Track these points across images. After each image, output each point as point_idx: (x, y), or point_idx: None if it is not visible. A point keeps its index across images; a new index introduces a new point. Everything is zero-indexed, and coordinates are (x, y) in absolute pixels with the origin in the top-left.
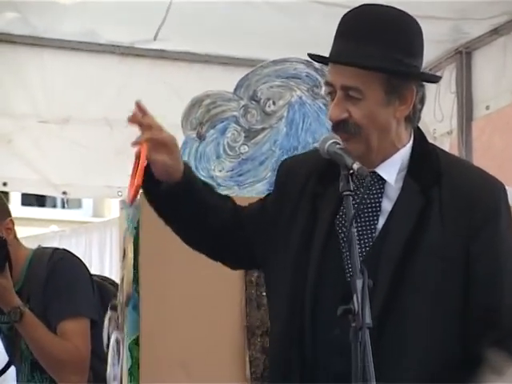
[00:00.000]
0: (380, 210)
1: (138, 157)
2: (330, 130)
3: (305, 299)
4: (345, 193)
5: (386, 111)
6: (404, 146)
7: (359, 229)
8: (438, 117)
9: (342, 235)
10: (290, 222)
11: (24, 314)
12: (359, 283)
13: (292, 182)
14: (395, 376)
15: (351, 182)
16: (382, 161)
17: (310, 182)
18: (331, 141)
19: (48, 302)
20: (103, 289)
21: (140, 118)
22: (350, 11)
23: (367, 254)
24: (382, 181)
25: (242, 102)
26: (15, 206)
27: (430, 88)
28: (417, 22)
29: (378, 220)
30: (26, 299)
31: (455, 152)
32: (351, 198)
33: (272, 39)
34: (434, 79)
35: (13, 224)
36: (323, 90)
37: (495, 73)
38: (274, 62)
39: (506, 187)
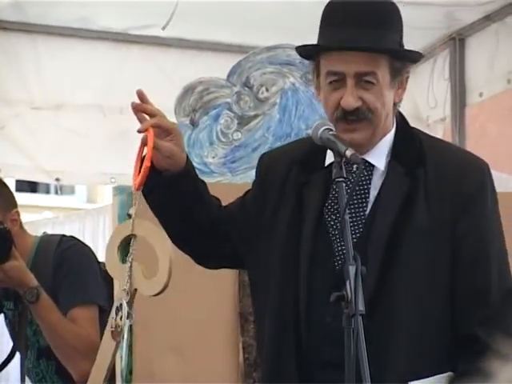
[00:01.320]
0: (369, 196)
1: (143, 143)
2: (325, 117)
3: (298, 288)
4: (338, 179)
5: (390, 94)
6: (390, 131)
7: (350, 215)
8: (431, 103)
9: (332, 223)
10: (273, 215)
11: (41, 294)
12: (352, 270)
13: (272, 175)
14: (388, 357)
15: (344, 169)
16: (373, 147)
17: (291, 172)
18: (324, 127)
19: (58, 288)
20: (110, 276)
21: (143, 105)
22: None
23: (358, 239)
24: (370, 167)
25: (235, 89)
26: None
27: (423, 75)
28: (398, 8)
29: (367, 206)
30: None
31: (449, 138)
32: (344, 185)
33: (265, 25)
34: (421, 58)
35: (18, 215)
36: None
37: (488, 59)
38: (267, 49)
39: (500, 173)
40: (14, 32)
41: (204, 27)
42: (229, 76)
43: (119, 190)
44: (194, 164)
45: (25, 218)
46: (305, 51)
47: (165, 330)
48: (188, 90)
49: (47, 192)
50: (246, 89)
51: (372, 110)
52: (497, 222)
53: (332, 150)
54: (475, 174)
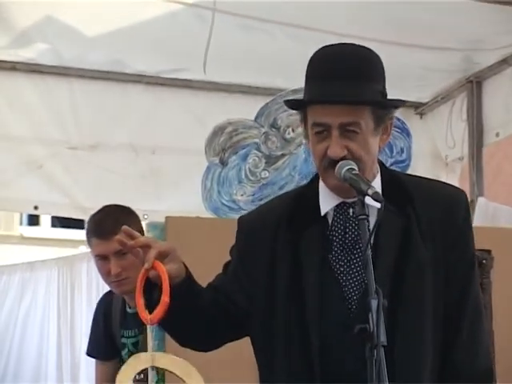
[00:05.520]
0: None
1: (143, 276)
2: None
3: (310, 344)
4: (360, 217)
5: (374, 141)
6: (377, 173)
7: (355, 258)
8: (449, 143)
9: (341, 269)
10: (269, 276)
11: None
12: (374, 303)
13: (257, 238)
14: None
15: (366, 207)
16: None
17: (280, 230)
18: (347, 167)
19: None
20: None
21: (135, 241)
22: (320, 52)
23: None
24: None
25: (263, 130)
26: (45, 228)
27: (442, 116)
28: (379, 56)
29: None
30: None
31: (466, 177)
32: (365, 223)
33: (291, 69)
34: (403, 104)
35: None
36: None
37: (504, 101)
38: (293, 91)
39: None
40: (52, 75)
41: (232, 71)
42: (257, 117)
43: (152, 227)
44: (223, 201)
45: (61, 252)
46: (291, 105)
47: (195, 360)
48: (218, 131)
49: (81, 228)
50: (274, 129)
51: (357, 158)
52: (473, 240)
53: (355, 188)
54: (460, 206)
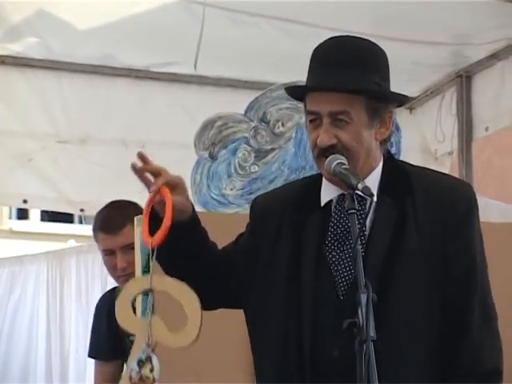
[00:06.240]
0: (365, 229)
1: (150, 201)
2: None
3: (301, 327)
4: (350, 211)
5: (369, 133)
6: (377, 166)
7: (348, 249)
8: (439, 138)
9: (333, 259)
10: (271, 256)
11: None
12: (363, 297)
13: (267, 218)
14: (392, 375)
15: (356, 201)
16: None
17: (286, 214)
18: (337, 161)
19: None
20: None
21: (147, 166)
22: (323, 42)
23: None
24: (364, 201)
25: (253, 124)
26: (34, 222)
27: (432, 110)
28: (383, 51)
29: (363, 238)
30: None
31: (456, 171)
32: (355, 217)
33: (281, 63)
34: (406, 100)
35: None
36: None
37: (494, 96)
38: (283, 86)
39: (505, 204)
40: (41, 69)
41: (222, 65)
42: (246, 111)
43: (141, 221)
44: (213, 196)
45: (50, 246)
46: (290, 93)
47: (185, 354)
48: (207, 125)
49: (71, 222)
50: (263, 124)
51: (347, 148)
52: (481, 240)
53: (344, 182)
54: (463, 198)
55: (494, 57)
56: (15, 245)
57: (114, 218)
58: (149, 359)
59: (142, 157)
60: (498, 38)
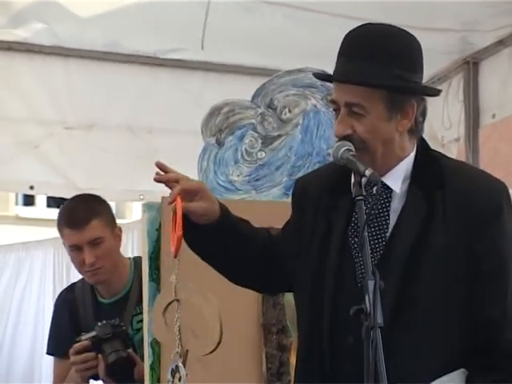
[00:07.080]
0: (389, 218)
1: (174, 212)
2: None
3: (323, 310)
4: (357, 198)
5: (388, 125)
6: (407, 155)
7: (370, 236)
8: (446, 124)
9: (355, 245)
10: (309, 238)
11: None
12: (371, 284)
13: (306, 199)
14: (410, 368)
15: (363, 188)
16: (387, 171)
17: (323, 196)
18: (344, 147)
19: None
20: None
21: (166, 175)
22: (352, 30)
23: (378, 260)
24: (389, 190)
25: (260, 110)
26: (40, 209)
27: (438, 97)
28: (416, 39)
29: (388, 229)
30: (135, 301)
31: (463, 158)
32: (363, 203)
33: (288, 50)
34: (435, 93)
35: (121, 231)
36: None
37: (501, 82)
38: (290, 72)
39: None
40: (48, 55)
41: (229, 51)
42: (253, 98)
43: (148, 207)
44: (220, 182)
45: (56, 232)
46: (321, 79)
47: None
48: (214, 111)
49: None
50: (270, 110)
51: (363, 140)
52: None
53: (352, 169)
54: (493, 196)
55: (501, 43)
56: (21, 231)
57: (79, 213)
58: (177, 368)
59: (160, 166)
60: (505, 25)
